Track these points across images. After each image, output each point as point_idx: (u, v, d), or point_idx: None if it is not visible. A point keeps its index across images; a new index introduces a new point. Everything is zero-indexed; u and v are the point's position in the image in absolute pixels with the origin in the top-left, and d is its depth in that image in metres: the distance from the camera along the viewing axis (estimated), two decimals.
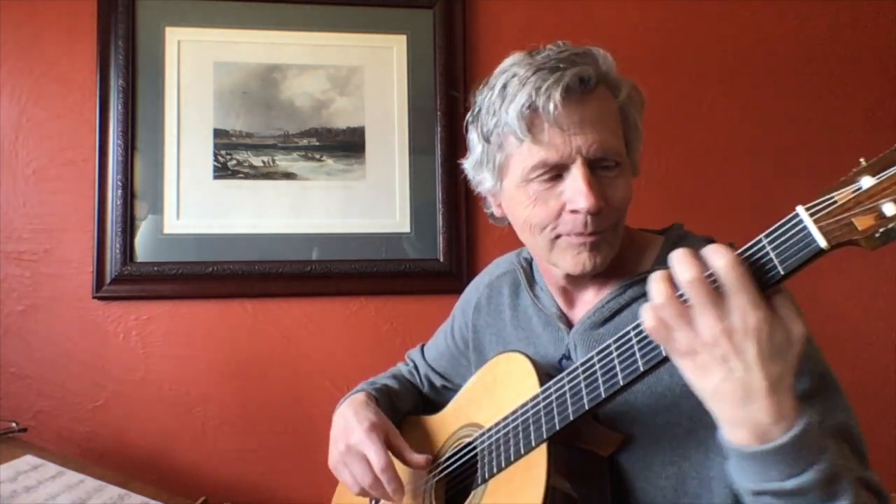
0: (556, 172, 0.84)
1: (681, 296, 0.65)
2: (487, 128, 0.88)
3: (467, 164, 0.97)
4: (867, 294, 1.93)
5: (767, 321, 0.62)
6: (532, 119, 0.82)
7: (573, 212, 0.83)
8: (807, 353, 0.78)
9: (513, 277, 1.10)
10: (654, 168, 1.84)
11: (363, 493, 0.99)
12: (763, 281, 0.63)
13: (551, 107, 0.80)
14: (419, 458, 0.99)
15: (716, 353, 0.63)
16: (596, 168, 0.84)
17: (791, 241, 0.62)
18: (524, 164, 0.85)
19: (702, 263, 0.64)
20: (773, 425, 0.62)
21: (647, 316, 0.67)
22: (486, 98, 0.89)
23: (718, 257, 0.63)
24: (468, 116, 0.94)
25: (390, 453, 0.98)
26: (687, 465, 0.82)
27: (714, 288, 0.63)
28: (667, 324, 0.65)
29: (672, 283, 0.66)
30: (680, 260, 0.64)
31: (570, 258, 0.87)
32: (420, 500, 1.00)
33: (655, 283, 0.66)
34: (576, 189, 0.82)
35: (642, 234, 0.98)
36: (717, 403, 0.65)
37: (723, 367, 0.63)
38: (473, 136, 0.94)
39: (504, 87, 0.85)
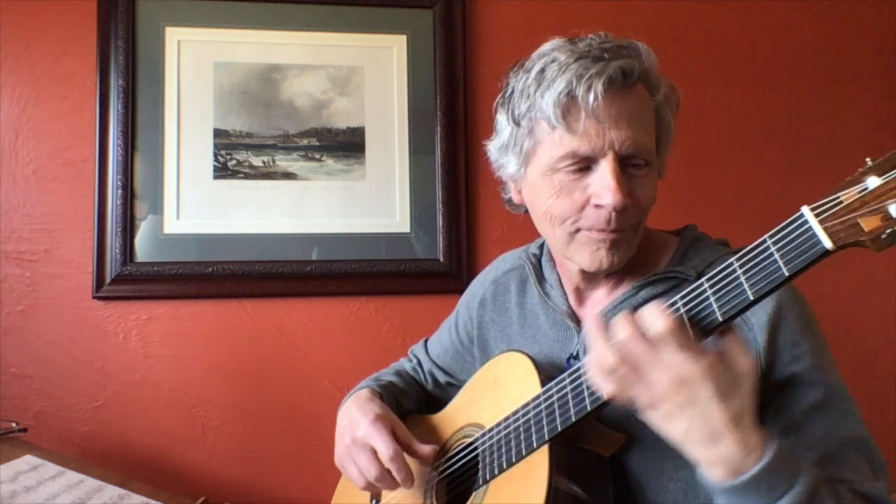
0: (584, 164, 0.82)
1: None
2: (519, 111, 0.86)
3: (492, 146, 0.94)
4: (869, 293, 1.93)
5: (713, 366, 0.65)
6: (569, 107, 0.80)
7: (597, 206, 0.82)
8: (818, 365, 0.78)
9: (520, 274, 1.08)
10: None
11: (368, 486, 0.98)
12: (766, 282, 0.63)
13: (591, 97, 0.78)
14: (426, 449, 0.97)
15: (674, 402, 0.66)
16: (626, 165, 0.82)
17: (796, 242, 0.61)
18: (553, 153, 0.83)
19: (636, 324, 0.68)
20: (743, 458, 0.65)
21: (605, 379, 0.70)
22: (520, 81, 0.86)
23: (653, 321, 0.67)
24: (498, 98, 0.92)
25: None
26: (700, 469, 0.82)
27: (654, 346, 0.67)
28: (624, 382, 0.69)
29: (613, 344, 0.70)
30: (619, 326, 0.69)
31: (588, 254, 0.86)
32: (421, 500, 1.00)
33: (600, 349, 0.70)
34: (604, 184, 0.81)
35: (659, 235, 0.97)
36: (689, 447, 0.68)
37: (686, 412, 0.66)
38: (502, 119, 0.91)
39: (542, 71, 0.83)
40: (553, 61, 0.82)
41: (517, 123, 0.87)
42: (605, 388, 0.70)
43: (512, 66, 0.90)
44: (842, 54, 1.96)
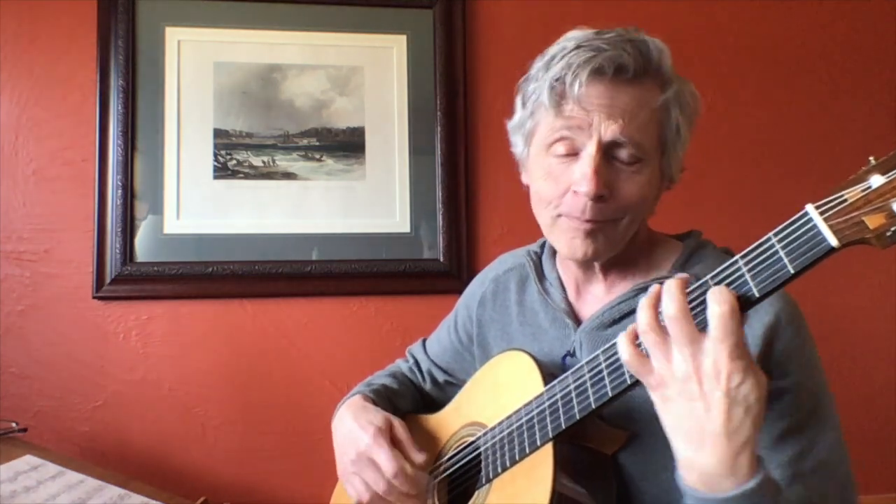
0: (572, 150, 0.84)
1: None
2: (527, 94, 0.89)
3: (509, 125, 0.97)
4: (870, 292, 1.93)
5: (741, 371, 0.62)
6: (560, 92, 0.83)
7: (575, 193, 0.83)
8: (804, 384, 0.78)
9: (520, 273, 1.08)
10: None
11: (374, 500, 0.97)
12: (771, 280, 0.63)
13: (576, 85, 0.80)
14: (419, 456, 0.97)
15: (683, 389, 0.64)
16: (613, 158, 0.83)
17: (801, 240, 0.61)
18: (546, 136, 0.86)
19: (685, 299, 0.65)
20: (722, 477, 0.62)
21: (625, 343, 0.68)
22: (536, 65, 0.89)
23: (718, 304, 0.62)
24: (521, 79, 0.94)
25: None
26: None
27: (697, 328, 0.64)
28: (645, 351, 0.67)
29: (657, 311, 0.67)
30: (669, 292, 0.65)
31: (566, 241, 0.87)
32: (423, 500, 1.00)
33: (641, 310, 0.68)
34: (581, 171, 0.82)
35: (662, 238, 0.97)
36: (674, 438, 0.66)
37: (687, 404, 0.64)
38: (518, 101, 0.94)
39: (552, 58, 0.85)
40: (562, 49, 0.85)
41: (524, 105, 0.90)
42: (623, 353, 0.68)
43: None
44: (843, 54, 1.96)
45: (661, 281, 0.88)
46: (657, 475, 0.83)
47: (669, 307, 0.65)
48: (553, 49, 0.87)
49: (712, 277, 0.67)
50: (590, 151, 0.81)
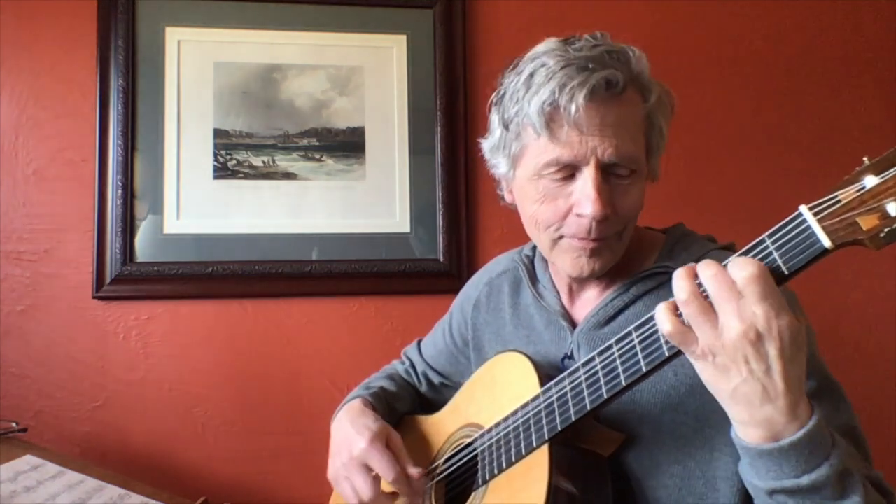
0: (569, 172, 0.83)
1: (704, 294, 0.64)
2: (508, 114, 0.87)
3: (485, 145, 0.95)
4: (871, 292, 1.93)
5: (788, 326, 0.62)
6: (552, 115, 0.81)
7: (579, 215, 0.83)
8: (812, 355, 0.78)
9: (514, 275, 1.09)
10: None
11: None
12: None
13: (573, 108, 0.78)
14: (415, 471, 0.96)
15: (737, 354, 0.62)
16: (609, 174, 0.83)
17: (795, 241, 0.61)
18: (538, 159, 0.84)
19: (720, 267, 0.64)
20: (787, 424, 0.63)
21: (666, 313, 0.66)
22: (512, 83, 0.87)
23: (741, 268, 0.62)
24: (493, 96, 0.92)
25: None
26: (692, 464, 0.81)
27: (737, 290, 0.62)
28: (687, 322, 0.65)
29: (694, 280, 0.65)
30: (705, 263, 0.64)
31: (570, 260, 0.87)
32: (420, 502, 1.00)
33: (679, 280, 0.65)
34: (584, 193, 0.81)
35: (647, 232, 0.98)
36: (734, 405, 0.65)
37: (743, 368, 0.63)
38: (494, 119, 0.92)
39: (531, 76, 0.83)
40: (542, 66, 0.82)
41: (506, 126, 0.88)
42: (664, 325, 0.66)
43: (508, 65, 0.90)
44: (841, 55, 1.96)
45: (647, 274, 0.89)
46: (655, 477, 0.83)
47: (707, 270, 0.63)
48: (529, 66, 0.84)
49: None
50: (590, 174, 0.81)
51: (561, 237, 0.86)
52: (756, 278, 0.61)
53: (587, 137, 0.80)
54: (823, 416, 0.65)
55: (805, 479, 0.63)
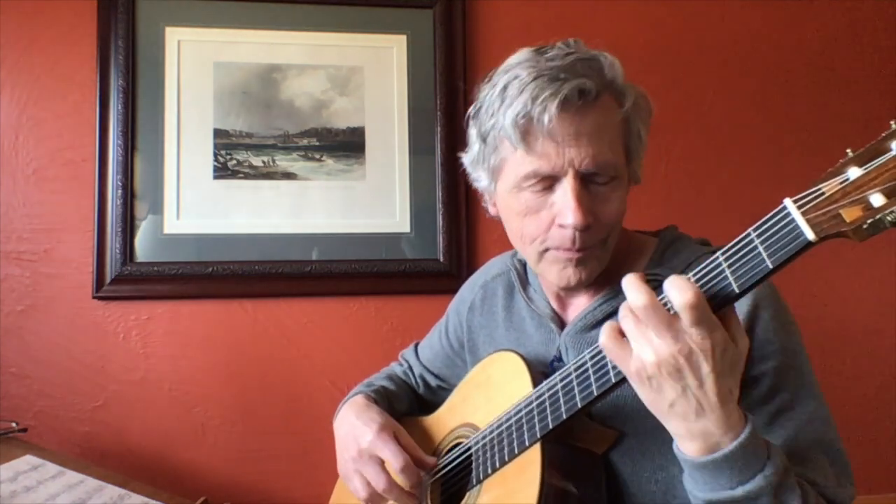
0: (548, 183, 0.83)
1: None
2: (485, 128, 0.87)
3: (465, 159, 0.95)
4: (871, 292, 1.93)
5: (722, 341, 0.63)
6: (527, 128, 0.81)
7: (561, 226, 0.83)
8: (788, 365, 0.79)
9: (507, 279, 1.09)
10: (648, 168, 1.84)
11: (373, 497, 0.97)
12: (751, 275, 0.63)
13: (546, 119, 0.78)
14: (430, 460, 0.97)
15: (672, 371, 0.64)
16: (589, 182, 0.82)
17: (779, 234, 0.61)
18: (517, 172, 0.84)
19: (649, 287, 0.65)
20: (723, 435, 0.65)
21: (607, 328, 0.68)
22: (487, 96, 0.87)
23: (679, 293, 0.63)
24: (470, 110, 0.93)
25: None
26: (676, 469, 0.81)
27: (669, 312, 0.64)
28: (626, 340, 0.67)
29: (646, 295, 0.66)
30: (632, 286, 0.65)
31: (557, 272, 0.87)
32: (417, 502, 1.00)
33: (623, 309, 0.67)
34: (564, 203, 0.81)
35: (637, 237, 0.98)
36: (671, 420, 0.67)
37: (678, 384, 0.64)
38: (473, 133, 0.92)
39: (504, 88, 0.83)
40: (515, 78, 0.82)
41: (484, 140, 0.88)
42: (603, 336, 0.68)
43: (483, 77, 0.90)
44: (834, 54, 1.96)
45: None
46: (650, 473, 0.83)
47: (637, 299, 0.65)
48: (503, 78, 0.84)
49: (694, 274, 0.68)
50: (569, 184, 0.81)
51: (546, 249, 0.86)
52: (690, 305, 0.62)
53: (563, 148, 0.80)
54: (758, 425, 0.66)
55: (739, 491, 0.65)
